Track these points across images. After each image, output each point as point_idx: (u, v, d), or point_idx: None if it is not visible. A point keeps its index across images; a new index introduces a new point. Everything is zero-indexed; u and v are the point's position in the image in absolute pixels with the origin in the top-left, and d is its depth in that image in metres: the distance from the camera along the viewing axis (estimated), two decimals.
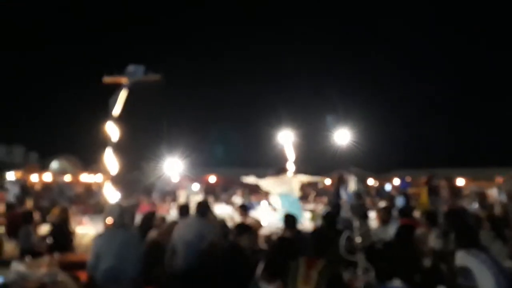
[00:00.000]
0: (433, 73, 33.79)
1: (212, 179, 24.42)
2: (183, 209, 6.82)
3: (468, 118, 30.11)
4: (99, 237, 5.00)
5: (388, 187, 19.80)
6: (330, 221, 6.36)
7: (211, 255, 5.32)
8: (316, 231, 4.30)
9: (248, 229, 5.09)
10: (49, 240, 7.08)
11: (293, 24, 34.58)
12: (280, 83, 33.54)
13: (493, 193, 15.30)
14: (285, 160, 13.76)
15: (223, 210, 11.18)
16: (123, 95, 8.01)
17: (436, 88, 33.45)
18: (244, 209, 8.35)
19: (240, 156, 28.08)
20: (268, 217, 11.23)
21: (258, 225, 7.71)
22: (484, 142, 28.02)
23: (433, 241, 6.01)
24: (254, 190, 18.82)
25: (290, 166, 13.59)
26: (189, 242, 5.51)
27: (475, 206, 11.77)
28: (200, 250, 5.45)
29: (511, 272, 4.18)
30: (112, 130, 7.71)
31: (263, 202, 14.50)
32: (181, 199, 13.90)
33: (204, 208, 6.10)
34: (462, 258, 4.02)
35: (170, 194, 16.10)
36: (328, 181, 27.07)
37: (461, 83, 32.14)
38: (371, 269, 4.29)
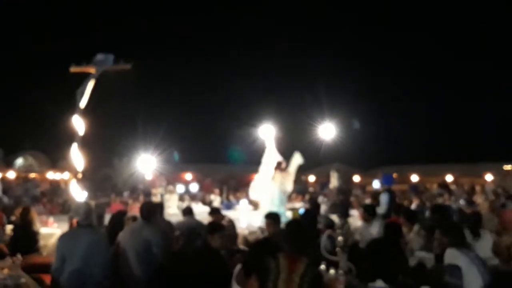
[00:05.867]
0: (423, 71, 34.25)
1: (188, 176, 24.30)
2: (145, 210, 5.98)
3: (457, 114, 30.61)
4: (64, 237, 4.91)
5: (376, 184, 19.97)
6: (310, 219, 6.37)
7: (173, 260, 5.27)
8: (290, 223, 4.30)
9: (220, 228, 5.04)
10: (11, 241, 6.96)
11: (277, 17, 34.63)
12: (262, 77, 33.54)
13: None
14: (265, 156, 13.72)
15: (199, 210, 11.10)
16: (91, 85, 7.90)
17: (425, 84, 34.00)
18: (216, 212, 8.08)
19: (217, 152, 28.00)
20: (248, 216, 11.22)
21: (232, 225, 7.66)
22: (473, 138, 28.50)
23: (414, 239, 6.10)
24: (234, 188, 18.85)
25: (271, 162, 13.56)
26: (136, 252, 5.39)
27: (462, 202, 11.98)
28: (149, 259, 5.30)
29: (494, 270, 4.25)
30: (78, 124, 7.60)
31: (243, 201, 14.46)
32: (156, 198, 13.80)
33: (149, 212, 5.76)
34: (452, 255, 4.06)
35: (144, 192, 16.00)
36: (312, 178, 27.23)
37: (451, 81, 32.66)
38: (353, 270, 4.31)
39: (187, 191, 18.57)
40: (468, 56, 31.94)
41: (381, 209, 9.96)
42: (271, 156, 11.44)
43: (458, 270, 3.89)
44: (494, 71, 30.93)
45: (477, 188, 17.69)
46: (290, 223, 4.27)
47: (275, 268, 3.53)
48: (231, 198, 16.61)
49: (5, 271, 4.86)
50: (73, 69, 8.25)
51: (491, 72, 30.90)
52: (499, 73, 30.42)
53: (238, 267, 4.08)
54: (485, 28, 30.53)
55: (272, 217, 6.20)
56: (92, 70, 8.12)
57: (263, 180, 11.32)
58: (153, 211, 5.88)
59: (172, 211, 12.19)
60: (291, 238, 3.78)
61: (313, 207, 8.34)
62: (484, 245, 5.72)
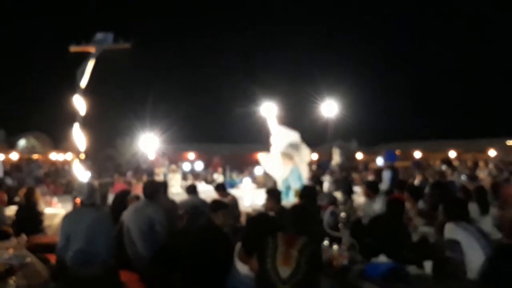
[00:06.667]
0: (426, 48, 33.95)
1: (191, 156, 24.31)
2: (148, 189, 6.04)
3: (459, 89, 30.43)
4: (67, 217, 4.92)
5: (379, 161, 19.97)
6: (309, 195, 6.38)
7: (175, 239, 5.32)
8: (295, 206, 4.30)
9: (223, 206, 5.06)
10: (16, 222, 7.01)
11: None
12: (264, 55, 33.27)
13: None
14: (268, 134, 13.69)
15: (203, 188, 11.13)
16: (91, 65, 7.87)
17: (427, 59, 33.75)
18: (221, 188, 8.18)
19: (220, 131, 27.98)
20: (251, 195, 11.25)
21: (235, 203, 7.68)
22: (476, 113, 28.38)
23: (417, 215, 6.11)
24: (237, 166, 18.87)
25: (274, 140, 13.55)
26: (139, 230, 5.44)
27: (463, 178, 11.98)
28: (153, 237, 5.39)
29: (498, 244, 4.25)
30: (79, 104, 7.58)
31: (246, 180, 14.47)
32: (159, 177, 13.84)
33: (152, 190, 5.84)
34: (451, 230, 4.06)
35: (147, 172, 16.03)
36: (314, 156, 27.25)
37: (453, 57, 32.41)
38: (356, 245, 4.33)
39: (192, 170, 18.62)
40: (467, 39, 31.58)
41: (384, 185, 9.97)
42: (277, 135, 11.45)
43: (458, 244, 3.90)
44: (496, 52, 30.69)
45: (481, 164, 17.66)
46: (295, 207, 4.27)
47: (273, 243, 3.54)
48: (234, 176, 16.65)
49: (10, 251, 4.90)
50: (73, 48, 8.22)
51: (493, 53, 30.68)
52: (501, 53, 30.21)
53: (239, 245, 4.10)
54: None
55: (272, 193, 6.25)
56: (92, 49, 8.09)
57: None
58: (156, 190, 5.92)
59: (176, 190, 12.23)
60: (294, 222, 3.79)
61: (315, 184, 8.34)
62: (491, 220, 5.72)
